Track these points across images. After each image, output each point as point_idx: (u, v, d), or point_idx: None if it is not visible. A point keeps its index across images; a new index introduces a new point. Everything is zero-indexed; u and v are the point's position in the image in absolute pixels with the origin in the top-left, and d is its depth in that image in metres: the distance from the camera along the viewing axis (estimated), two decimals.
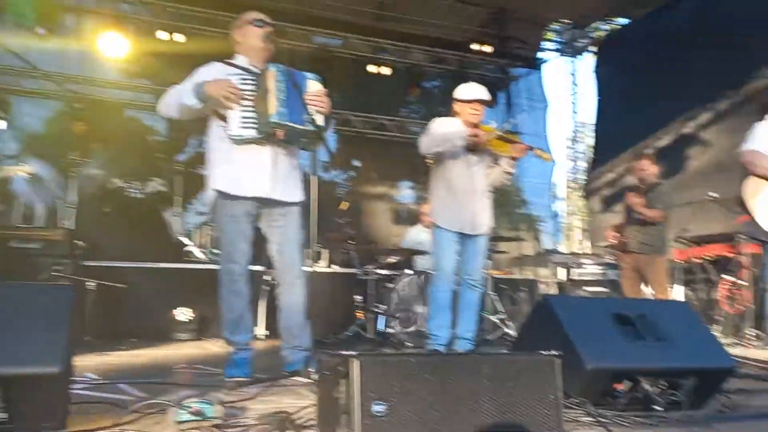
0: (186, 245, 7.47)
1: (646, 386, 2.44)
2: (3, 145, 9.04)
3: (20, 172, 4.29)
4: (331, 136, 3.47)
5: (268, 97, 3.17)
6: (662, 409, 2.40)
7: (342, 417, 1.64)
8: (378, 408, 1.58)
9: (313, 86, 3.37)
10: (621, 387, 2.46)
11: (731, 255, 7.07)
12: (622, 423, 2.26)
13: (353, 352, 1.62)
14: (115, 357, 4.62)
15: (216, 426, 2.04)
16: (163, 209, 7.42)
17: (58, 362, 1.86)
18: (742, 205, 4.02)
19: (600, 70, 11.34)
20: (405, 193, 12.04)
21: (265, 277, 6.27)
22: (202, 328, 6.61)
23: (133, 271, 6.32)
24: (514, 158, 4.38)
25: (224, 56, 3.48)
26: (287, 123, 3.20)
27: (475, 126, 4.35)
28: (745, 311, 6.57)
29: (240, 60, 3.44)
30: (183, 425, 2.04)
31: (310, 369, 2.90)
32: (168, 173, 8.48)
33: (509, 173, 4.51)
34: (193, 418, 2.07)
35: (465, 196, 4.40)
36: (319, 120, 3.33)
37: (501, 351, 1.80)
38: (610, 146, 10.72)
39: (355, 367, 1.59)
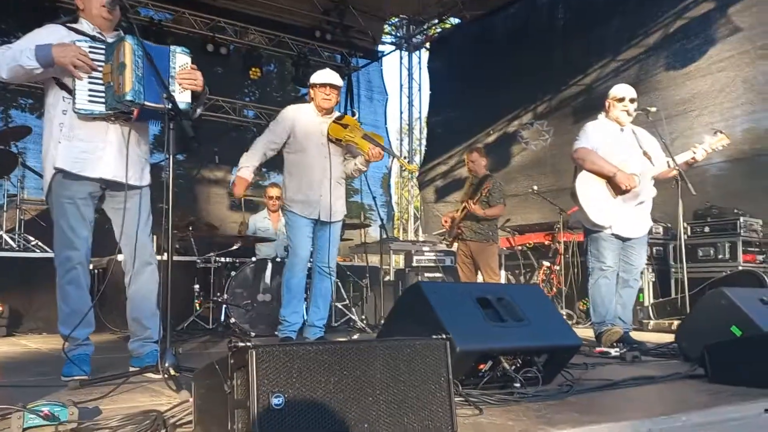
0: None
1: (506, 365, 2.60)
2: None
3: None
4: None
5: (124, 71, 2.85)
6: (519, 385, 2.57)
7: (236, 412, 1.54)
8: (276, 401, 1.51)
9: (181, 60, 3.10)
10: (484, 367, 2.60)
11: (549, 243, 7.83)
12: (488, 401, 2.38)
13: (248, 343, 1.53)
14: None
15: (74, 430, 1.81)
16: None
17: None
18: (573, 197, 4.42)
19: (432, 66, 11.89)
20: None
21: (92, 266, 5.75)
22: (13, 323, 5.93)
23: None
24: (369, 161, 4.45)
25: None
26: (143, 102, 2.92)
27: (339, 116, 4.44)
28: (557, 293, 7.33)
29: (85, 26, 3.09)
30: (32, 431, 1.80)
31: (166, 363, 2.68)
32: None
33: (362, 171, 4.60)
34: (46, 422, 1.82)
35: (321, 183, 4.39)
36: (186, 97, 3.08)
37: (394, 338, 1.81)
38: (442, 140, 11.30)
39: (252, 357, 1.50)
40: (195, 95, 3.14)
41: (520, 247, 8.04)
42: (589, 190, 4.33)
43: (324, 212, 4.38)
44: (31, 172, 7.46)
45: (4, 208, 7.31)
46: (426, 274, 7.09)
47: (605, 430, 1.93)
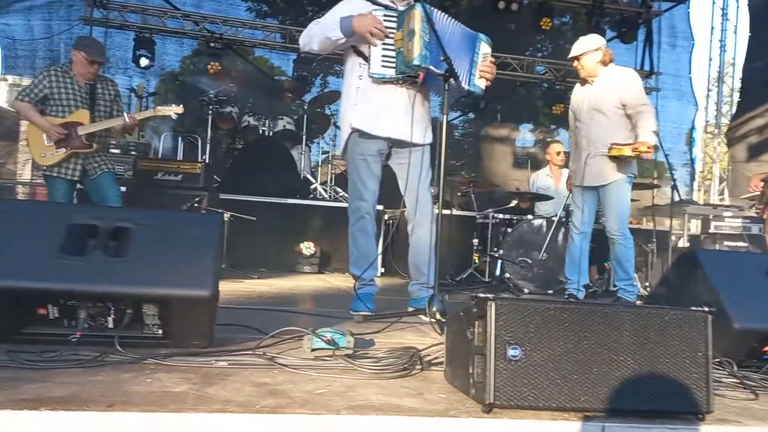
0: (311, 183, 7.73)
1: None
2: (147, 82, 9.68)
3: (173, 112, 4.58)
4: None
5: (413, 37, 3.10)
6: None
7: (475, 358, 1.64)
8: (513, 352, 1.57)
9: (485, 48, 3.35)
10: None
11: None
12: None
13: (490, 294, 1.61)
14: (248, 285, 4.93)
15: (347, 356, 2.11)
16: (290, 147, 7.66)
17: (209, 286, 1.99)
18: None
19: (754, 3, 10.21)
20: (526, 136, 11.68)
21: (384, 217, 6.39)
22: (323, 262, 6.91)
23: (262, 206, 6.66)
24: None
25: None
26: (429, 67, 3.14)
27: None
28: None
29: None
30: (317, 352, 2.15)
31: (433, 308, 2.92)
32: (295, 112, 8.75)
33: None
34: (327, 346, 2.16)
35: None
36: (481, 84, 3.35)
37: (648, 305, 1.72)
38: (759, 89, 9.73)
39: (492, 309, 1.57)
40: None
41: None
42: None
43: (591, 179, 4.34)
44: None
45: (319, 164, 8.49)
46: (726, 243, 6.32)
47: None
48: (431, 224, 3.48)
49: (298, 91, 8.63)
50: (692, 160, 11.55)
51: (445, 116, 3.10)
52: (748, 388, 2.05)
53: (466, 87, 3.31)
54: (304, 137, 7.77)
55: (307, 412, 1.49)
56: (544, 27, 9.83)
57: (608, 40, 10.49)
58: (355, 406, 1.58)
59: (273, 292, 4.56)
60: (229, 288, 4.37)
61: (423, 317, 3.18)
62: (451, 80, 3.09)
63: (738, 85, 10.73)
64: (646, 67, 10.36)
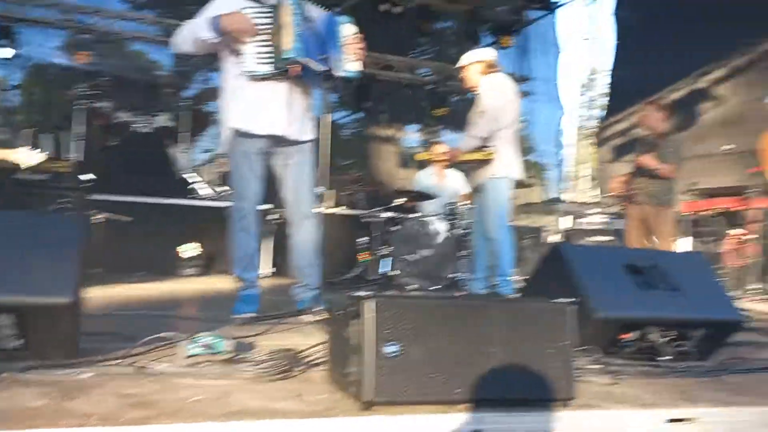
0: (192, 182, 7.45)
1: (654, 336, 2.45)
2: (9, 73, 8.92)
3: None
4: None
5: (283, 31, 3.07)
6: (669, 359, 2.41)
7: (353, 357, 1.64)
8: (390, 349, 1.58)
9: (349, 30, 3.30)
10: (628, 336, 2.47)
11: (740, 209, 7.03)
12: (629, 372, 2.27)
13: (368, 293, 1.61)
14: (124, 290, 4.67)
15: (226, 361, 2.05)
16: (169, 145, 7.35)
17: (69, 293, 1.86)
18: (757, 156, 3.94)
19: (619, 14, 11.05)
20: (412, 137, 11.92)
21: (271, 216, 6.28)
22: (208, 264, 6.68)
23: (140, 206, 6.33)
24: None
25: None
26: (303, 59, 3.11)
27: None
28: (750, 265, 6.58)
29: None
30: (193, 359, 2.06)
31: (318, 308, 2.90)
32: (175, 109, 8.39)
33: None
34: (204, 352, 2.08)
35: None
36: (356, 65, 3.30)
37: (514, 298, 1.80)
38: (624, 94, 10.52)
39: (369, 307, 1.58)
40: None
41: (707, 212, 7.33)
42: None
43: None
44: None
45: (202, 162, 8.22)
46: (592, 237, 6.78)
47: (749, 414, 1.76)
48: (314, 225, 3.46)
49: (178, 86, 8.29)
50: (561, 161, 12.31)
51: (325, 113, 3.10)
52: (611, 373, 2.19)
53: (342, 73, 3.28)
54: (185, 135, 7.47)
55: (177, 422, 1.43)
56: (424, 31, 10.08)
57: (485, 46, 11.01)
58: (231, 412, 1.53)
59: (153, 297, 4.36)
60: (104, 294, 4.12)
61: (307, 318, 3.16)
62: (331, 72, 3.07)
63: (606, 90, 11.54)
64: (521, 73, 10.91)
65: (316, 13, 3.29)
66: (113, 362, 1.98)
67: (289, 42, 3.04)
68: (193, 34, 3.25)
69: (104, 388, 1.71)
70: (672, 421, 1.76)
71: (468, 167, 4.77)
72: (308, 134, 3.49)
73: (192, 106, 7.75)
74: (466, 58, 4.77)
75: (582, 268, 2.44)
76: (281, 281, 5.86)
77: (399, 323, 1.60)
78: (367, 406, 1.55)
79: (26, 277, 1.84)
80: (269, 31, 3.13)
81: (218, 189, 7.62)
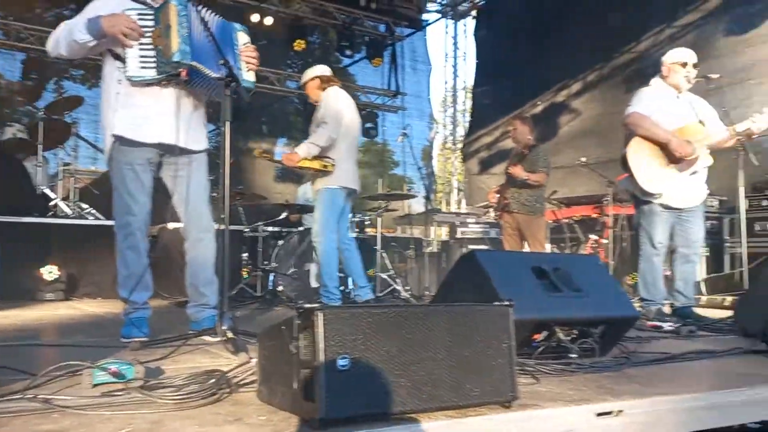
0: (51, 199, 6.80)
1: (561, 335, 2.57)
2: None
3: None
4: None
5: (169, 33, 2.87)
6: (576, 356, 2.54)
7: (301, 373, 1.56)
8: (342, 362, 1.52)
9: (243, 38, 3.19)
10: (538, 337, 2.58)
11: (596, 216, 7.66)
12: (544, 370, 2.36)
13: (315, 305, 1.54)
14: None
15: (141, 387, 1.86)
16: (23, 158, 6.66)
17: None
18: (624, 164, 4.30)
19: (479, 35, 11.67)
20: (284, 150, 11.78)
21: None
22: (70, 288, 6.12)
23: None
24: None
25: None
26: (191, 63, 2.93)
27: None
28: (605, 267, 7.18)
29: None
30: (100, 387, 1.86)
31: (223, 327, 2.73)
32: (28, 119, 7.64)
33: None
34: (113, 380, 1.88)
35: None
36: (251, 76, 3.19)
37: (457, 303, 1.81)
38: (487, 110, 11.12)
39: (319, 319, 1.51)
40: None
41: (566, 220, 7.88)
42: (641, 157, 4.20)
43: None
44: (84, 142, 7.64)
45: (59, 177, 7.51)
46: (471, 246, 7.06)
47: (668, 403, 1.89)
48: (211, 240, 3.27)
49: (30, 95, 7.56)
50: (432, 173, 12.75)
51: (227, 124, 2.92)
52: (529, 374, 2.27)
53: (243, 83, 3.13)
54: (40, 147, 6.80)
55: None
56: (297, 48, 10.02)
57: (357, 61, 11.16)
58: None
59: (17, 325, 3.89)
60: None
61: (208, 338, 2.97)
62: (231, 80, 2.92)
63: (469, 105, 12.11)
64: (393, 88, 11.19)
65: (210, 17, 3.12)
66: (14, 397, 1.72)
67: (175, 44, 2.86)
68: (69, 35, 2.98)
69: (11, 427, 1.48)
70: (600, 415, 1.85)
71: (310, 176, 4.99)
72: (201, 143, 3.30)
73: (47, 117, 7.06)
74: (305, 75, 5.19)
75: (496, 274, 2.50)
76: (157, 302, 5.51)
77: (349, 334, 1.54)
78: (322, 423, 1.47)
79: None
80: (154, 33, 2.94)
81: (77, 205, 7.02)
